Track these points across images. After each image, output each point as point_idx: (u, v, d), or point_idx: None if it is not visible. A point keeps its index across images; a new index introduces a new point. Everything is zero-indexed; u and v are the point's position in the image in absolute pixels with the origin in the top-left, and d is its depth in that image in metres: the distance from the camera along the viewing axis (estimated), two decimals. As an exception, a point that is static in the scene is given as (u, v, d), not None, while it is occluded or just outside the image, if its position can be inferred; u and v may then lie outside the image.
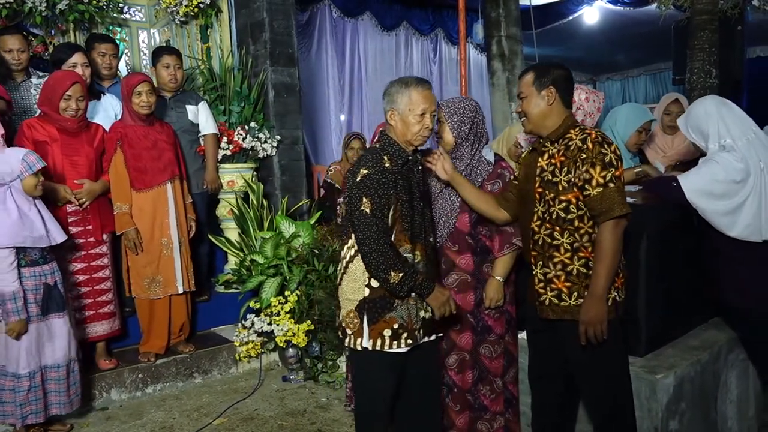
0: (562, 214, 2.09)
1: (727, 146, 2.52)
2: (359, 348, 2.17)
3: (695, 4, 4.28)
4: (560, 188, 2.08)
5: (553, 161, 2.12)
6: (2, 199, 2.65)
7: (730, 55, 5.19)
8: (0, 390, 2.74)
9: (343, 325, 2.21)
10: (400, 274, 2.06)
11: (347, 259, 2.19)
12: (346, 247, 2.20)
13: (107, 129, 3.39)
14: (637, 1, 6.91)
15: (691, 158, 3.41)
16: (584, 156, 2.02)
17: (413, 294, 2.14)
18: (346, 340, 2.21)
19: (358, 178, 2.09)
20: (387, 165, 2.12)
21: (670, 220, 2.67)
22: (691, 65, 4.30)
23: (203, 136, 4.01)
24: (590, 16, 7.58)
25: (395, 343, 2.14)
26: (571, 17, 7.49)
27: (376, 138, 2.50)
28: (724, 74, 4.69)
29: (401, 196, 2.12)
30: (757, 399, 2.96)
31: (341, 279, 2.23)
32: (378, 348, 2.13)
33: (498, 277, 2.46)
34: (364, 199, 2.06)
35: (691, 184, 2.54)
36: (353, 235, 2.14)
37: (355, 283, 2.17)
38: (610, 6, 7.19)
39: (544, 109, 2.14)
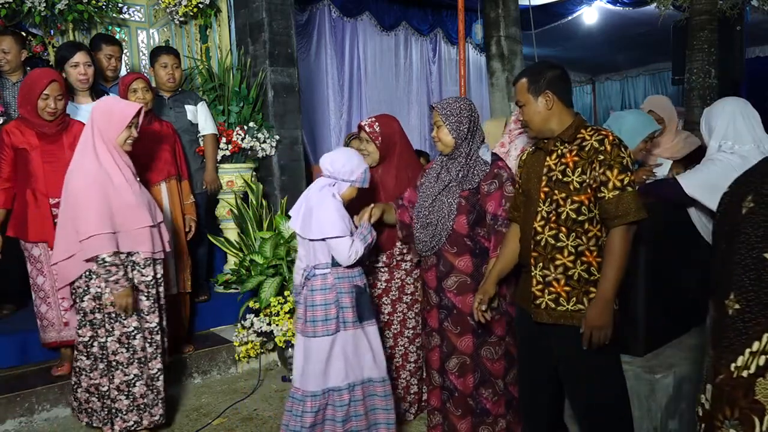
0: (573, 215, 2.03)
1: (724, 149, 2.52)
2: None
3: (694, 4, 4.29)
4: (572, 188, 2.03)
5: (564, 161, 2.07)
6: (330, 195, 2.54)
7: (729, 55, 5.19)
8: (302, 415, 2.50)
9: None
10: None
11: (753, 372, 1.13)
12: (748, 349, 1.14)
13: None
14: (637, 1, 6.91)
15: (680, 157, 3.42)
16: (602, 158, 1.97)
17: None
18: None
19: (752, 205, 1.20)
20: None
21: (668, 220, 2.67)
22: (690, 65, 4.31)
23: (202, 136, 4.01)
24: (589, 16, 7.58)
25: None
26: (570, 17, 7.49)
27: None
28: (724, 74, 4.70)
29: None
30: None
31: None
32: None
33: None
34: None
35: (689, 180, 2.55)
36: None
37: None
38: (609, 6, 7.19)
39: (545, 114, 2.10)
